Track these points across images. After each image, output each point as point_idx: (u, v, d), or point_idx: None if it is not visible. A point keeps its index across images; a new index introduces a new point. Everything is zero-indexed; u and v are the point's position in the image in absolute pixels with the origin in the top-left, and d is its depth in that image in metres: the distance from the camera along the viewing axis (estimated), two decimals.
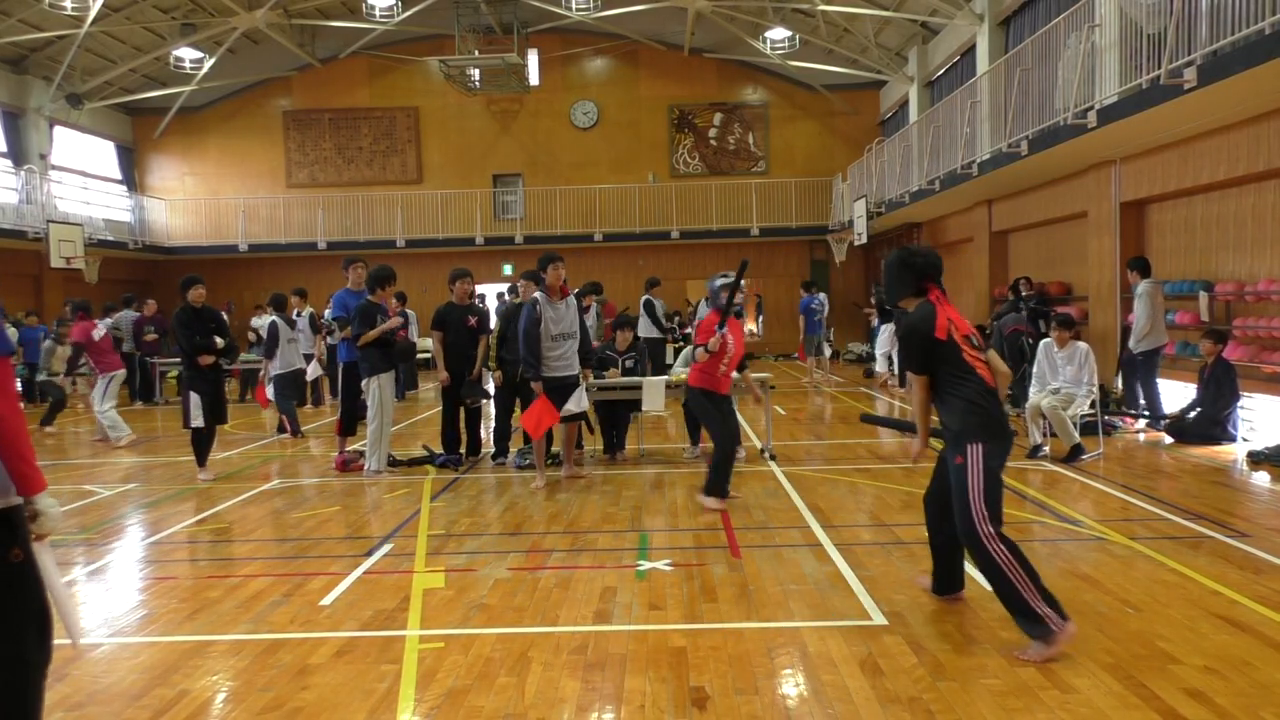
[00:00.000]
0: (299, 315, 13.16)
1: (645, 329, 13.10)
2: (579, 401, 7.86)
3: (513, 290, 11.14)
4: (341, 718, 3.53)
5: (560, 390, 7.69)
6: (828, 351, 17.69)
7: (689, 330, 15.67)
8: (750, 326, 22.69)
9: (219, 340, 8.56)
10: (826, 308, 16.89)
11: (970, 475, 4.02)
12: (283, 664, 4.05)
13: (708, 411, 7.03)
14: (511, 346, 8.45)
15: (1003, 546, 3.94)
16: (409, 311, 13.37)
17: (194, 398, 8.41)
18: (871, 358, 18.65)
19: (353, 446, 9.23)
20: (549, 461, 8.80)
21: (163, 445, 11.01)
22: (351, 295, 8.93)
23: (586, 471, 8.42)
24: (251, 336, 17.18)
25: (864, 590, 4.82)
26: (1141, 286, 10.07)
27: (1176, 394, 10.70)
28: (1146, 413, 10.17)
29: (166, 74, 23.19)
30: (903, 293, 4.41)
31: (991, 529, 3.97)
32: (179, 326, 8.43)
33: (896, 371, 14.98)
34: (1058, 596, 3.97)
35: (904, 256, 4.42)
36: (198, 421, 8.48)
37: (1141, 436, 9.77)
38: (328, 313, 15.42)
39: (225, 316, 11.46)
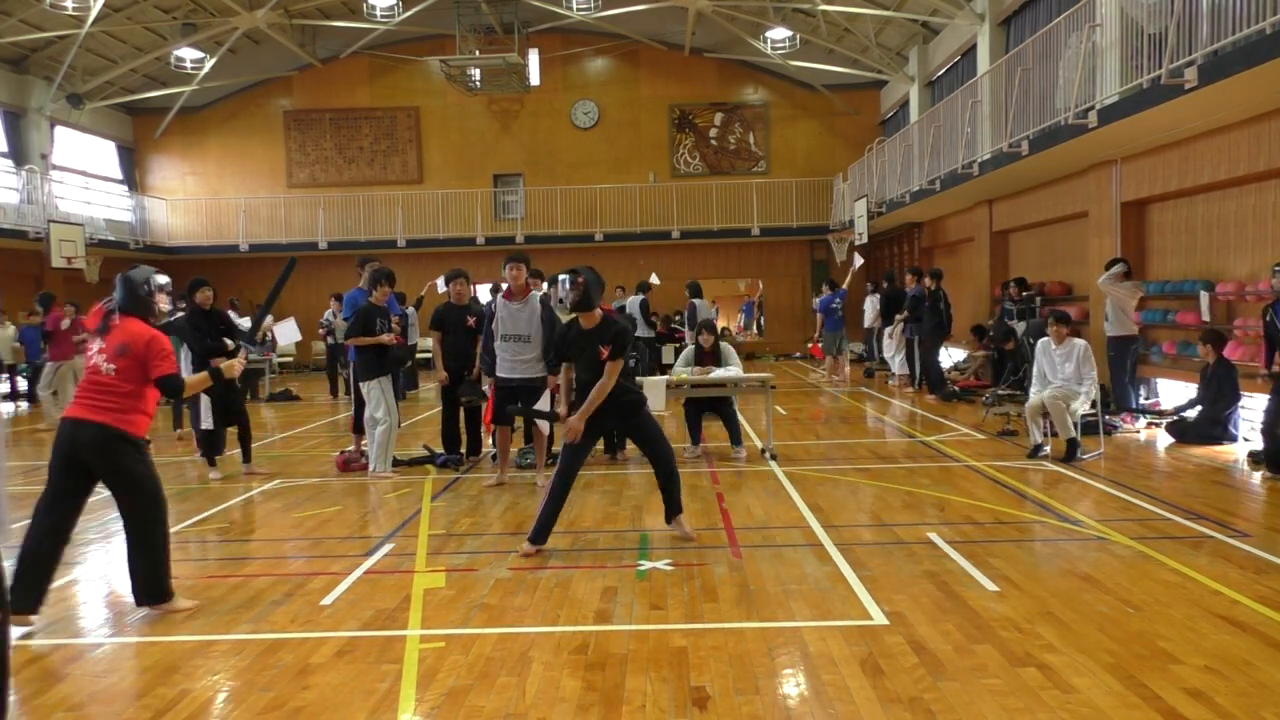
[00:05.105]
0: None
1: (640, 330, 13.79)
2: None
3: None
4: (342, 717, 3.54)
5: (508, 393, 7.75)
6: (848, 352, 17.82)
7: (686, 330, 15.71)
8: (725, 325, 22.80)
9: (229, 342, 8.55)
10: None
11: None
12: (283, 664, 4.05)
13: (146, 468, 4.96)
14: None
15: None
16: (410, 311, 13.34)
17: (204, 400, 8.42)
18: (871, 357, 18.64)
19: (365, 445, 9.22)
20: (548, 461, 8.78)
21: (163, 445, 11.00)
22: (363, 294, 8.90)
23: (503, 479, 7.97)
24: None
25: (864, 590, 4.82)
26: (1125, 284, 10.42)
27: (1177, 393, 10.71)
28: (1145, 410, 10.18)
29: (167, 74, 23.18)
30: (598, 303, 5.78)
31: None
32: (189, 329, 8.42)
33: (907, 372, 14.95)
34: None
35: (597, 275, 5.80)
36: (207, 424, 8.49)
37: (1142, 435, 9.76)
38: (328, 313, 15.45)
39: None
